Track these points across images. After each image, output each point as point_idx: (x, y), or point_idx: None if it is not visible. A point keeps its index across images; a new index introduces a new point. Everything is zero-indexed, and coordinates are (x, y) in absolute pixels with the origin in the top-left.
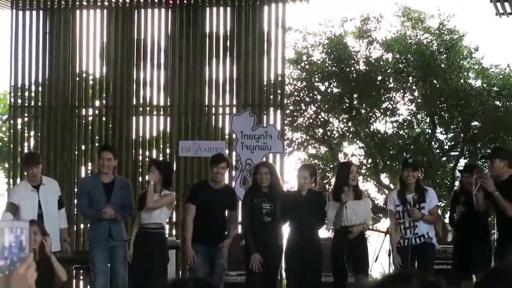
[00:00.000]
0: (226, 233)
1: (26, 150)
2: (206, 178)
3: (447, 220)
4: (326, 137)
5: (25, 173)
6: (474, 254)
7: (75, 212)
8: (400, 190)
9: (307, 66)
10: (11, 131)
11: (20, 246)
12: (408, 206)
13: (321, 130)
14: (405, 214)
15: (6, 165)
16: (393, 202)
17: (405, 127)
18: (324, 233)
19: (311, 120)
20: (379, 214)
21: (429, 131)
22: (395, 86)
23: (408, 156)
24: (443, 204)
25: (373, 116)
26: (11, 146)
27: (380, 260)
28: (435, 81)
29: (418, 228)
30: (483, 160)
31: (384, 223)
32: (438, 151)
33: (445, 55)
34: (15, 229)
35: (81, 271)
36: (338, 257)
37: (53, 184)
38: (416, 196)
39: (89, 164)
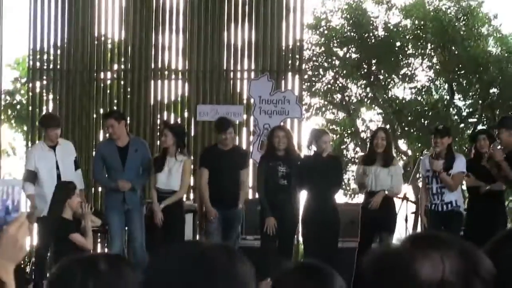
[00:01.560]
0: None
1: (44, 113)
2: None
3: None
4: (344, 103)
5: (44, 134)
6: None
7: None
8: (431, 155)
9: (325, 32)
10: (30, 94)
11: (7, 210)
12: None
13: (339, 96)
14: (433, 180)
15: (25, 128)
16: (424, 167)
17: (423, 93)
18: (341, 198)
19: (329, 86)
20: None
21: (447, 97)
22: (413, 52)
23: (426, 122)
24: None
25: (391, 82)
26: (30, 109)
27: (397, 226)
28: (453, 48)
29: (445, 195)
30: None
31: (402, 190)
32: (456, 117)
33: (463, 22)
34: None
35: (99, 234)
36: (365, 222)
37: (68, 145)
38: (446, 162)
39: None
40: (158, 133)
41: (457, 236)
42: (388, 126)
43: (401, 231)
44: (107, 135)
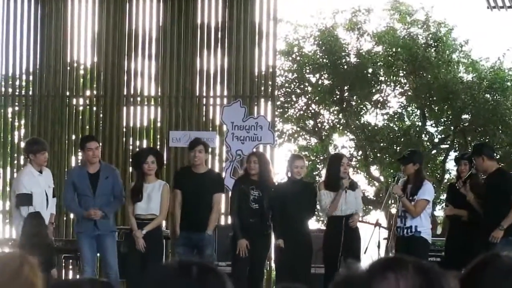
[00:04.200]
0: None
1: (16, 140)
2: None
3: (436, 213)
4: (316, 129)
5: (32, 159)
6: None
7: None
8: (406, 180)
9: (298, 58)
10: (1, 120)
11: None
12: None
13: (311, 122)
14: (399, 202)
15: None
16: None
17: (395, 119)
18: (314, 224)
19: (301, 112)
20: (369, 206)
21: (419, 124)
22: (385, 78)
23: (398, 148)
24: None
25: (364, 108)
26: (1, 135)
27: (370, 252)
28: (424, 75)
29: (407, 220)
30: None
31: (374, 215)
32: (428, 144)
33: (433, 49)
34: None
35: (70, 261)
36: (331, 247)
37: (49, 172)
38: (412, 187)
39: (79, 154)
40: (131, 159)
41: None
42: (360, 152)
43: (374, 257)
44: (79, 162)
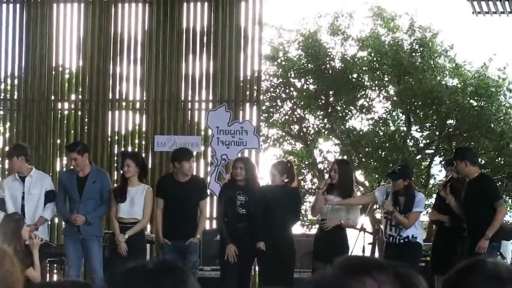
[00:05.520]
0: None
1: (1, 144)
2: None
3: (421, 218)
4: (301, 134)
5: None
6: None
7: None
8: (395, 192)
9: (283, 63)
10: None
11: None
12: (397, 209)
13: (296, 127)
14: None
15: None
16: (384, 193)
17: (380, 124)
18: (299, 229)
19: (287, 117)
20: None
21: (405, 129)
22: (370, 83)
23: (383, 153)
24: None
25: (349, 113)
26: None
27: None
28: (409, 80)
29: (402, 230)
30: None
31: (359, 220)
32: (413, 149)
33: (419, 53)
34: None
35: (55, 265)
36: (317, 252)
37: (41, 177)
38: (405, 201)
39: (64, 158)
40: (116, 164)
41: (412, 266)
42: (345, 157)
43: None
44: (71, 166)
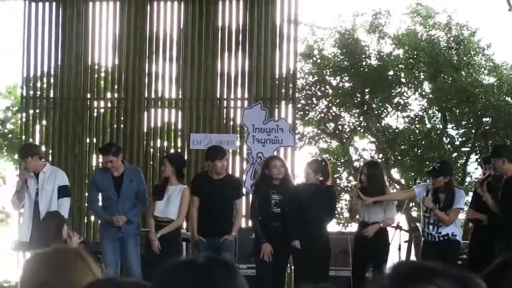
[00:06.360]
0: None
1: (37, 142)
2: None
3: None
4: (337, 132)
5: None
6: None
7: (86, 204)
8: (435, 189)
9: (318, 61)
10: (23, 121)
11: None
12: (437, 206)
13: (332, 125)
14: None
15: (16, 157)
16: (424, 190)
17: (416, 122)
18: (334, 227)
19: (322, 114)
20: None
21: (440, 126)
22: (406, 81)
23: (419, 151)
24: None
25: (385, 111)
26: (23, 137)
27: (391, 255)
28: (445, 77)
29: (442, 228)
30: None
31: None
32: (449, 146)
33: (455, 51)
34: None
35: None
36: (357, 250)
37: (54, 172)
38: (445, 198)
39: (100, 157)
40: (152, 162)
41: (453, 265)
42: (381, 155)
43: (395, 260)
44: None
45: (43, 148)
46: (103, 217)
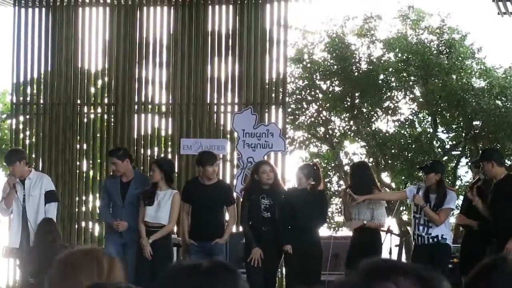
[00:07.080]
0: (224, 229)
1: (27, 148)
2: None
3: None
4: (327, 136)
5: None
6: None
7: (76, 210)
8: (427, 188)
9: (308, 65)
10: (13, 128)
11: None
12: (428, 205)
13: (322, 129)
14: (421, 211)
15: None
16: (415, 189)
17: (406, 126)
18: (325, 231)
19: (312, 119)
20: None
21: (431, 130)
22: (396, 85)
23: (409, 155)
24: None
25: (375, 115)
26: (13, 144)
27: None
28: (436, 81)
29: (432, 229)
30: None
31: (386, 222)
32: (439, 150)
33: (446, 55)
34: None
35: None
36: (352, 254)
37: (41, 178)
38: (437, 198)
39: (91, 162)
40: (142, 167)
41: (443, 269)
42: (371, 159)
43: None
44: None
45: (33, 155)
46: (107, 220)
